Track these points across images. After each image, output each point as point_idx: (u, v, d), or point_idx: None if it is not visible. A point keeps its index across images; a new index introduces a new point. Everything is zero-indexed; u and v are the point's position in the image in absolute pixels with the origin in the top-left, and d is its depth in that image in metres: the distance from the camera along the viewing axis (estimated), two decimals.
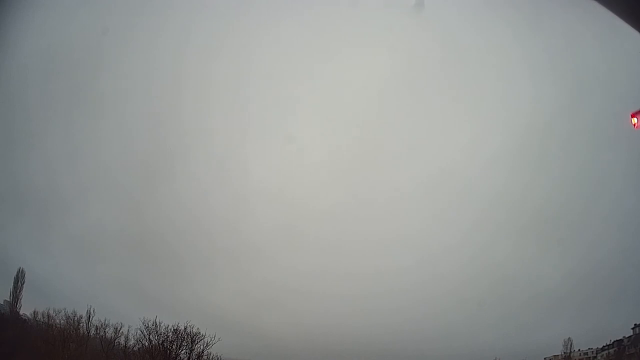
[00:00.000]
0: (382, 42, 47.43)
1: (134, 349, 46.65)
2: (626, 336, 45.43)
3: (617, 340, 45.95)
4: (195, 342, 46.24)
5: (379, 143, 50.27)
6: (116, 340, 46.41)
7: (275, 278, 47.11)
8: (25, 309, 47.58)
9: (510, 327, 45.54)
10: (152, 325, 45.63)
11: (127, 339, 46.41)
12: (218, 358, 46.58)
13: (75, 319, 45.58)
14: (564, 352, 46.85)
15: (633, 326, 44.69)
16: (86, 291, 46.04)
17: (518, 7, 42.50)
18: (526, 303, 45.74)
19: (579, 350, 47.26)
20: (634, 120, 13.99)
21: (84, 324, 45.84)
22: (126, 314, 45.28)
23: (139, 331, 45.73)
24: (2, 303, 48.64)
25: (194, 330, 45.95)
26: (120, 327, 46.00)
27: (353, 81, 49.08)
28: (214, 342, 45.41)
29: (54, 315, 45.63)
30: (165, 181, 49.90)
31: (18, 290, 47.04)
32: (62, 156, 49.47)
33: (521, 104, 47.06)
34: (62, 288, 46.18)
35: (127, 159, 50.43)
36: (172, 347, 46.26)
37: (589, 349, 47.40)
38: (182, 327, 45.91)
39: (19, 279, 46.80)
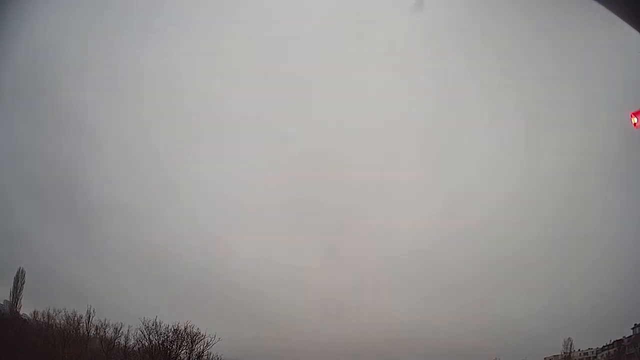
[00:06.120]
0: (381, 43, 47.53)
1: (134, 349, 46.63)
2: (626, 336, 45.43)
3: (617, 340, 45.95)
4: (195, 342, 46.30)
5: None
6: (116, 340, 46.42)
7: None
8: (25, 309, 47.65)
9: (511, 327, 45.56)
10: (152, 325, 45.72)
11: (127, 339, 46.53)
12: (218, 358, 46.68)
13: (75, 319, 45.64)
14: (564, 352, 46.84)
15: (633, 326, 44.70)
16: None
17: (515, 7, 42.48)
18: (527, 303, 45.80)
19: (579, 350, 47.28)
20: (634, 120, 13.91)
21: (84, 324, 45.92)
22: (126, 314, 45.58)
23: (139, 331, 45.80)
24: (2, 303, 48.56)
25: (194, 330, 46.11)
26: (120, 327, 46.12)
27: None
28: (214, 342, 45.56)
29: (54, 315, 45.70)
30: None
31: (18, 290, 46.99)
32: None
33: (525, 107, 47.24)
34: (62, 288, 46.40)
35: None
36: (172, 347, 46.19)
37: (589, 349, 47.40)
38: (182, 327, 46.04)
39: (19, 279, 46.77)
